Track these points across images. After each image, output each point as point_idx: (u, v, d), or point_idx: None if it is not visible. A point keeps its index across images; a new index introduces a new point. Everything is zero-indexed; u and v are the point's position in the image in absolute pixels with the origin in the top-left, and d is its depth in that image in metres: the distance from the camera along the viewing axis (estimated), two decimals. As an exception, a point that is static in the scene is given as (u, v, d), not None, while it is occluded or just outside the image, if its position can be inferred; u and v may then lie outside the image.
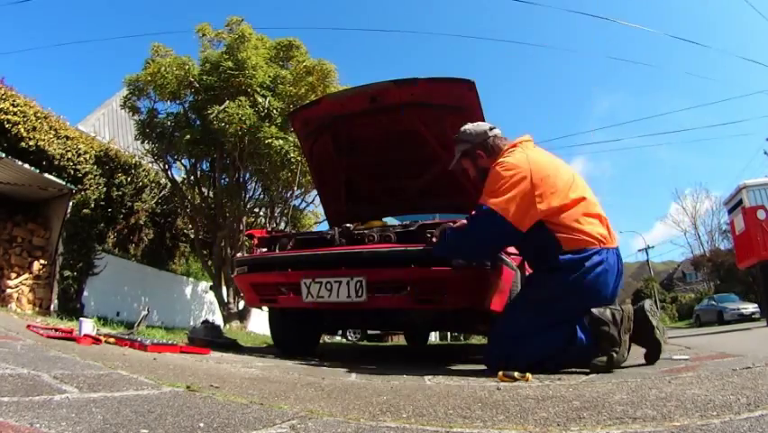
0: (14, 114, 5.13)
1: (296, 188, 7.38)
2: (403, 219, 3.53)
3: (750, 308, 14.77)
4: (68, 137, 5.86)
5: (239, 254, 3.15)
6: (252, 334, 6.26)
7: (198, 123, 6.99)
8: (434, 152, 3.50)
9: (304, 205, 8.69)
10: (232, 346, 3.14)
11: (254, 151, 6.44)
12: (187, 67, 6.64)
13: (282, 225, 7.84)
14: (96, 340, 2.37)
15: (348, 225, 2.69)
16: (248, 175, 7.63)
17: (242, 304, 7.23)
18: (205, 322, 3.44)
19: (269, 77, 6.90)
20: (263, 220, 8.21)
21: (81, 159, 5.93)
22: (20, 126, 5.13)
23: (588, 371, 1.92)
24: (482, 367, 2.11)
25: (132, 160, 7.72)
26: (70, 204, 5.60)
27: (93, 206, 6.01)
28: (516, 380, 1.63)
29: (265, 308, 3.17)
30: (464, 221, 2.14)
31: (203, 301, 9.57)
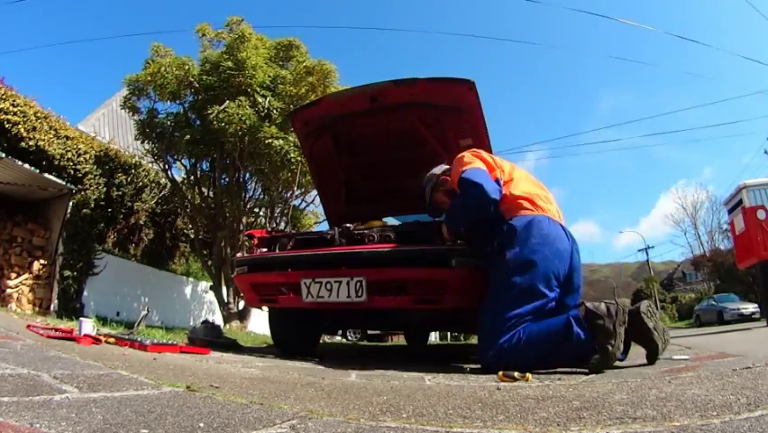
0: (14, 114, 5.14)
1: (296, 188, 7.38)
2: (403, 219, 3.53)
3: (750, 308, 14.77)
4: (68, 137, 5.86)
5: (239, 254, 3.15)
6: (252, 334, 6.26)
7: (198, 123, 6.99)
8: (434, 152, 3.50)
9: (304, 205, 8.70)
10: (232, 346, 3.13)
11: (254, 151, 6.44)
12: (186, 67, 6.64)
13: (282, 225, 7.83)
14: (96, 340, 2.37)
15: (348, 225, 2.69)
16: (248, 175, 7.63)
17: (242, 304, 7.23)
18: (205, 322, 3.44)
19: (269, 77, 6.90)
20: (263, 220, 8.21)
21: (81, 159, 5.93)
22: (20, 126, 5.14)
23: (587, 370, 1.92)
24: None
25: (132, 160, 7.72)
26: (70, 204, 5.60)
27: (93, 206, 6.01)
28: (516, 380, 1.63)
29: (265, 308, 3.17)
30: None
31: (203, 301, 9.57)
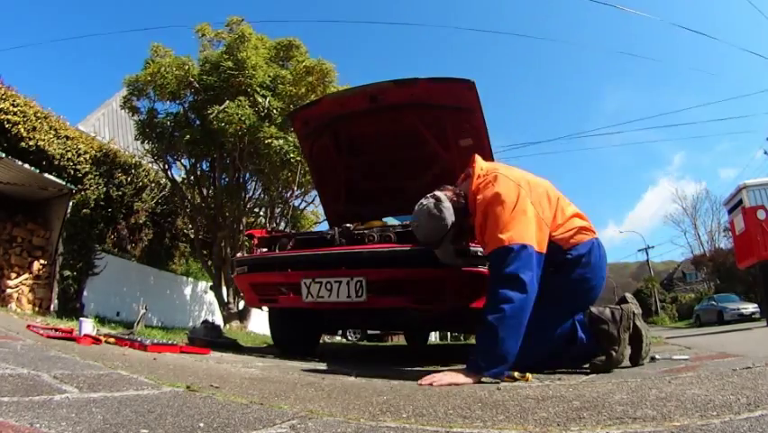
0: (14, 114, 5.14)
1: (296, 188, 7.38)
2: (403, 219, 3.52)
3: (750, 308, 14.77)
4: (68, 137, 5.86)
5: (239, 254, 3.15)
6: (252, 334, 6.26)
7: (198, 123, 6.98)
8: (434, 151, 3.50)
9: (304, 205, 8.69)
10: (232, 346, 3.14)
11: (254, 151, 6.44)
12: (186, 67, 6.64)
13: (282, 225, 7.83)
14: (96, 340, 2.37)
15: (348, 225, 2.69)
16: (248, 175, 7.63)
17: (242, 304, 7.23)
18: (205, 322, 3.44)
19: (269, 77, 6.90)
20: (263, 220, 8.20)
21: (81, 159, 5.93)
22: (20, 126, 5.14)
23: (588, 371, 1.92)
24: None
25: (132, 160, 7.72)
26: (70, 204, 5.60)
27: (93, 206, 6.01)
28: (516, 380, 1.63)
29: (265, 308, 3.17)
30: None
31: (203, 301, 9.57)
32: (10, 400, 0.97)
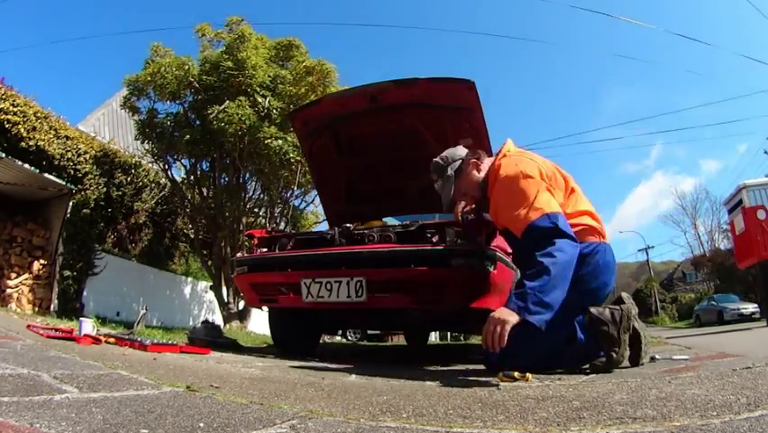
0: (14, 114, 5.14)
1: (296, 188, 7.38)
2: (403, 219, 3.53)
3: (750, 308, 14.78)
4: (68, 137, 5.86)
5: (239, 254, 3.14)
6: (252, 334, 6.26)
7: (198, 123, 6.98)
8: (434, 152, 3.49)
9: (304, 205, 8.69)
10: (232, 346, 3.14)
11: (254, 151, 6.43)
12: (186, 67, 6.64)
13: (282, 225, 7.83)
14: (96, 340, 2.37)
15: (348, 225, 2.69)
16: (248, 175, 7.63)
17: (242, 304, 7.23)
18: (205, 322, 3.44)
19: (269, 77, 6.90)
20: (263, 220, 8.20)
21: (81, 159, 5.93)
22: (20, 126, 5.14)
23: (588, 371, 1.92)
24: (482, 367, 2.11)
25: (132, 160, 7.72)
26: (70, 204, 5.60)
27: (93, 206, 6.01)
28: (516, 380, 1.63)
29: (265, 308, 3.17)
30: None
31: (202, 301, 9.57)
32: (10, 400, 0.97)
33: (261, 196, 8.01)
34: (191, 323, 8.43)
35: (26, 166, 4.94)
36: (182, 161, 7.48)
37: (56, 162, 5.52)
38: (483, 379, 1.75)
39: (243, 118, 6.11)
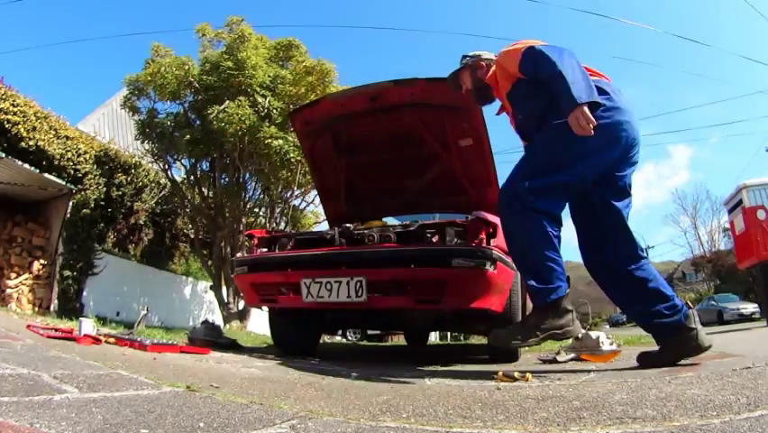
0: (14, 114, 5.13)
1: (296, 188, 7.38)
2: (403, 219, 3.53)
3: (750, 308, 14.75)
4: (68, 137, 5.86)
5: (239, 254, 3.15)
6: (252, 334, 6.26)
7: (198, 123, 6.98)
8: (434, 151, 3.50)
9: (304, 205, 8.69)
10: (232, 346, 3.13)
11: (254, 151, 6.44)
12: (186, 67, 6.64)
13: (282, 225, 7.83)
14: (96, 340, 2.37)
15: (348, 225, 2.69)
16: (248, 175, 7.63)
17: (242, 304, 7.23)
18: (205, 322, 3.44)
19: (269, 77, 6.90)
20: (263, 220, 8.21)
21: (81, 159, 5.93)
22: (20, 126, 5.13)
23: (588, 371, 1.92)
24: (482, 367, 2.11)
25: (132, 160, 7.72)
26: (70, 204, 5.60)
27: (93, 206, 6.01)
28: (516, 380, 1.63)
29: (265, 308, 3.17)
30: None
31: (203, 301, 9.57)
32: (10, 400, 0.97)
33: (261, 196, 8.01)
34: (191, 323, 8.42)
35: (26, 166, 4.94)
36: (182, 161, 7.48)
37: (56, 162, 5.51)
38: (483, 379, 1.75)
39: (243, 118, 6.11)
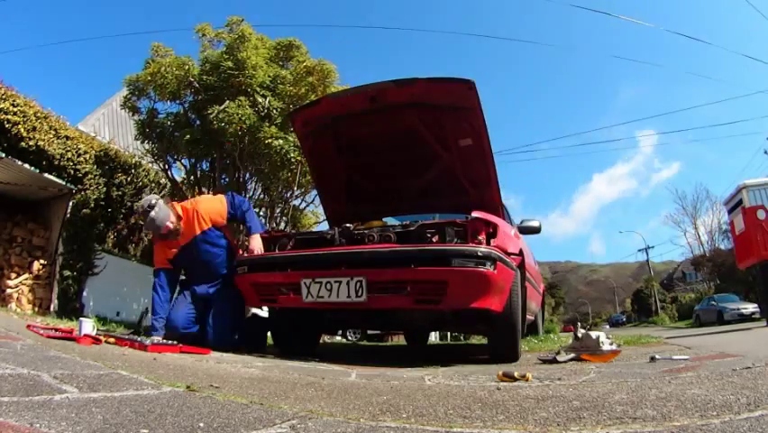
0: (14, 114, 5.13)
1: (296, 188, 7.37)
2: (403, 219, 3.53)
3: (750, 308, 14.75)
4: (68, 137, 5.85)
5: (239, 254, 3.15)
6: (252, 334, 6.24)
7: (198, 123, 6.98)
8: (434, 151, 3.50)
9: (304, 205, 8.68)
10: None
11: (254, 151, 6.43)
12: (186, 67, 6.63)
13: (282, 225, 7.83)
14: (96, 340, 2.37)
15: (348, 225, 2.69)
16: (248, 175, 7.62)
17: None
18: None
19: (269, 77, 6.89)
20: (263, 220, 8.21)
21: (81, 159, 5.92)
22: (20, 126, 5.13)
23: (588, 370, 1.92)
24: (482, 367, 2.11)
25: (132, 160, 7.71)
26: (70, 204, 5.60)
27: (93, 206, 6.01)
28: (516, 380, 1.63)
29: (265, 308, 3.17)
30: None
31: (203, 301, 9.54)
32: (10, 400, 0.97)
33: (261, 196, 8.00)
34: (191, 323, 8.41)
35: (26, 166, 4.94)
36: (182, 160, 7.47)
37: (56, 162, 5.51)
38: (483, 379, 1.75)
39: (243, 118, 6.11)
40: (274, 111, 6.58)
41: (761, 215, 6.53)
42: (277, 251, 2.83)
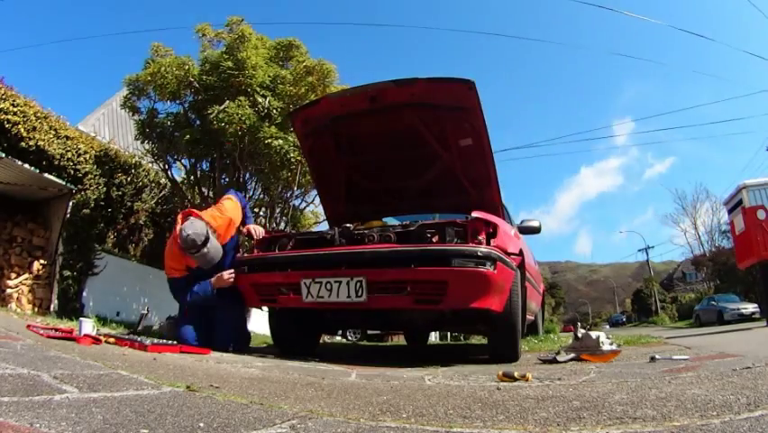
0: (14, 114, 5.13)
1: (296, 188, 7.37)
2: (403, 219, 3.53)
3: (750, 308, 14.75)
4: (68, 137, 5.85)
5: (239, 254, 3.15)
6: (252, 334, 6.25)
7: (198, 123, 6.98)
8: (434, 151, 3.50)
9: (304, 205, 8.68)
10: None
11: (254, 151, 6.43)
12: (186, 67, 6.63)
13: (282, 225, 7.83)
14: (96, 340, 2.37)
15: (348, 225, 2.69)
16: (248, 175, 7.62)
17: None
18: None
19: (269, 77, 6.89)
20: (263, 220, 8.20)
21: (81, 159, 5.92)
22: (20, 126, 5.13)
23: (588, 370, 1.92)
24: (482, 367, 2.11)
25: (132, 160, 7.72)
26: (70, 204, 5.60)
27: (93, 206, 6.01)
28: (516, 380, 1.63)
29: (265, 308, 3.17)
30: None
31: (203, 301, 9.54)
32: (10, 400, 0.97)
33: (261, 196, 8.00)
34: (191, 323, 8.41)
35: (26, 166, 4.94)
36: (182, 161, 7.47)
37: (56, 162, 5.51)
38: (483, 379, 1.75)
39: (243, 118, 6.11)
40: (274, 111, 6.58)
41: (761, 215, 6.54)
42: (277, 251, 2.83)
